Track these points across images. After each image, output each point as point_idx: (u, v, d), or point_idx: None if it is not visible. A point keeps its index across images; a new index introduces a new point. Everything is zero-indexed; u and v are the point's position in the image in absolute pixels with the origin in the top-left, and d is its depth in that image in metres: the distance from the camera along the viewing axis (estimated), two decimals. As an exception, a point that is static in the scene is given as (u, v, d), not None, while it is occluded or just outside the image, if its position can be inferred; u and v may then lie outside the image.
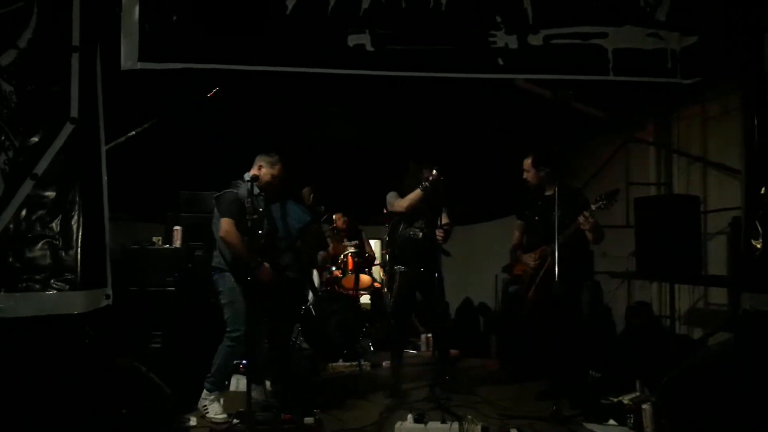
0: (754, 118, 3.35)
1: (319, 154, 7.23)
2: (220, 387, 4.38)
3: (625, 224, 5.90)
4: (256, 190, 4.32)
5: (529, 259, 4.80)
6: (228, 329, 4.33)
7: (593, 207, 4.37)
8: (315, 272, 6.76)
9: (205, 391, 4.31)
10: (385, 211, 6.46)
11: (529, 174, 4.85)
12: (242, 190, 4.28)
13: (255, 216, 4.06)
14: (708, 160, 5.52)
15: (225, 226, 4.18)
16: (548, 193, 4.74)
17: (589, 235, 4.55)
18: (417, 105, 6.15)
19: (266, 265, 4.30)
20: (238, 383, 4.94)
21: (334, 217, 7.27)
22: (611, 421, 4.07)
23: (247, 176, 4.39)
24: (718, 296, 5.42)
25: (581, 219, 4.37)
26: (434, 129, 6.97)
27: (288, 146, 4.95)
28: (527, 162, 4.86)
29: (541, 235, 4.68)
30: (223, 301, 4.36)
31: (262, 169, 4.44)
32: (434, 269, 4.83)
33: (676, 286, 5.57)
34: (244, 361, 4.88)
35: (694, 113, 5.81)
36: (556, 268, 4.18)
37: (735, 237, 4.41)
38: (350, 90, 5.28)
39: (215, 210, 4.39)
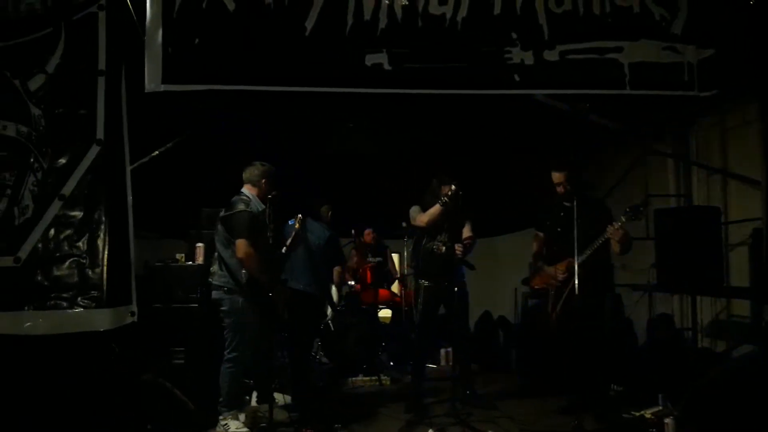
0: (772, 128, 3.35)
1: (339, 168, 7.28)
2: (236, 407, 4.37)
3: (646, 236, 5.87)
4: (262, 206, 4.35)
5: (556, 272, 4.71)
6: (226, 350, 4.30)
7: (623, 218, 4.30)
8: (333, 287, 6.79)
9: (221, 415, 4.28)
10: (404, 224, 6.51)
11: (560, 187, 4.78)
12: (252, 207, 4.31)
13: (270, 234, 4.08)
14: (728, 170, 5.48)
15: (243, 247, 4.13)
16: (568, 203, 4.71)
17: (617, 247, 4.47)
18: (436, 119, 6.18)
19: (282, 286, 4.32)
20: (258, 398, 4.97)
21: (364, 232, 7.31)
22: (634, 436, 4.04)
23: (248, 193, 4.42)
24: (741, 308, 5.35)
25: (610, 229, 4.33)
26: (453, 142, 7.00)
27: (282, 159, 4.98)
28: (560, 176, 4.74)
29: (566, 246, 4.64)
30: (227, 321, 4.32)
31: (264, 183, 4.45)
32: (458, 283, 4.83)
33: (698, 298, 5.52)
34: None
35: (713, 124, 5.78)
36: (576, 280, 4.14)
37: (757, 248, 4.36)
38: (370, 105, 5.33)
39: (220, 229, 4.35)
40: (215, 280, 4.38)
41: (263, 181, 4.47)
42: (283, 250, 4.89)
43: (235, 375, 4.33)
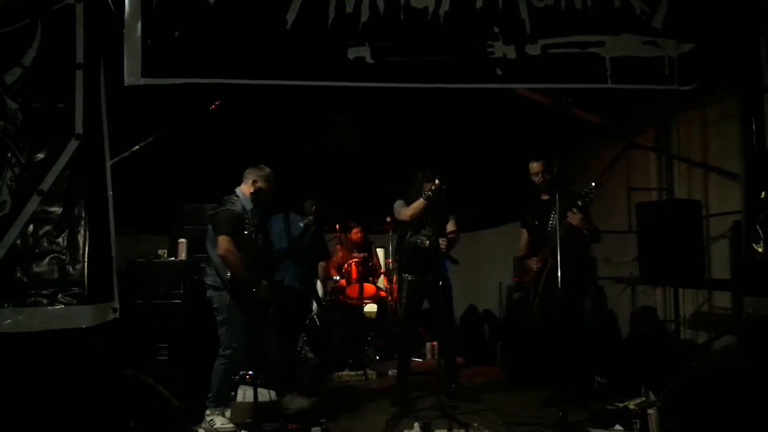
0: (752, 123, 3.38)
1: (323, 163, 7.26)
2: (224, 404, 4.39)
3: (628, 229, 5.92)
4: (251, 205, 4.37)
5: (532, 264, 4.81)
6: (221, 347, 4.33)
7: (579, 202, 4.37)
8: (318, 282, 6.78)
9: (208, 409, 4.30)
10: (388, 219, 6.51)
11: (537, 177, 4.84)
12: (237, 206, 4.31)
13: (254, 231, 4.09)
14: (708, 164, 5.53)
15: (224, 244, 4.16)
16: (546, 196, 4.77)
17: (586, 234, 4.54)
18: (419, 113, 6.18)
19: (265, 283, 4.32)
20: (244, 394, 4.95)
21: (352, 230, 7.29)
22: (617, 427, 4.06)
23: (239, 191, 4.42)
24: (722, 300, 5.42)
25: (569, 215, 4.38)
26: (437, 136, 7.00)
27: (279, 156, 4.96)
28: (538, 165, 4.83)
29: (541, 240, 4.69)
30: (218, 318, 4.35)
31: (257, 183, 4.44)
32: (441, 277, 4.84)
33: (680, 290, 5.58)
34: (250, 372, 4.90)
35: (694, 117, 5.84)
36: (559, 273, 4.18)
37: (737, 241, 4.42)
38: (353, 99, 5.31)
39: (209, 228, 4.38)
40: (207, 279, 4.41)
41: (254, 181, 4.44)
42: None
43: (227, 371, 4.34)
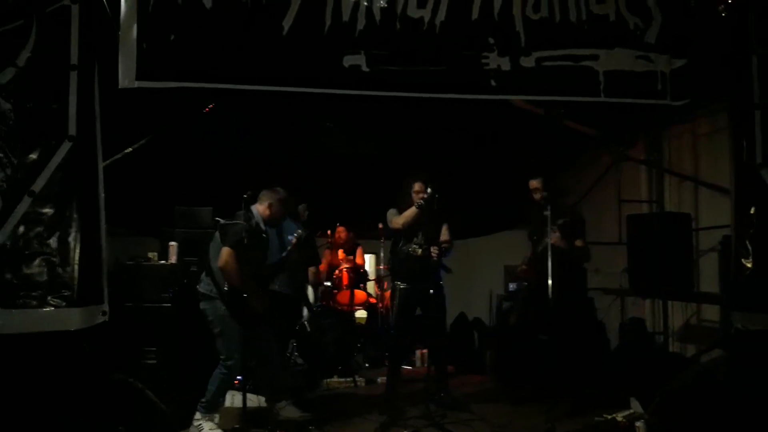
0: (742, 138, 3.41)
1: (316, 168, 7.26)
2: (214, 411, 4.35)
3: (618, 241, 5.96)
4: (264, 226, 4.39)
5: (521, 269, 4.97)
6: (222, 357, 4.29)
7: (559, 222, 4.54)
8: (309, 288, 6.77)
9: (198, 413, 4.28)
10: (380, 226, 6.51)
11: (537, 194, 4.88)
12: (251, 223, 4.31)
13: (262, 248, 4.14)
14: (698, 179, 5.58)
15: (226, 257, 4.13)
16: (544, 212, 4.81)
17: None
18: (413, 120, 6.20)
19: (261, 293, 4.30)
20: (233, 399, 4.92)
21: (337, 229, 7.27)
22: (605, 438, 4.08)
23: (254, 210, 4.42)
24: (711, 313, 5.46)
25: (550, 233, 4.47)
26: (430, 145, 7.02)
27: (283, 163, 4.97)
28: (537, 183, 4.89)
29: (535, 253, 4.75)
30: (214, 330, 4.29)
31: (272, 207, 4.46)
32: (434, 285, 4.85)
33: (669, 302, 5.61)
34: (239, 377, 4.88)
35: (685, 131, 5.89)
36: (549, 284, 4.22)
37: (726, 255, 4.45)
38: (347, 105, 5.33)
39: (216, 236, 4.34)
40: (200, 288, 4.35)
41: (270, 204, 4.47)
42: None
43: (225, 380, 4.32)
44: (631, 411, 4.34)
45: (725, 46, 3.58)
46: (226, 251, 4.14)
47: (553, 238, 4.49)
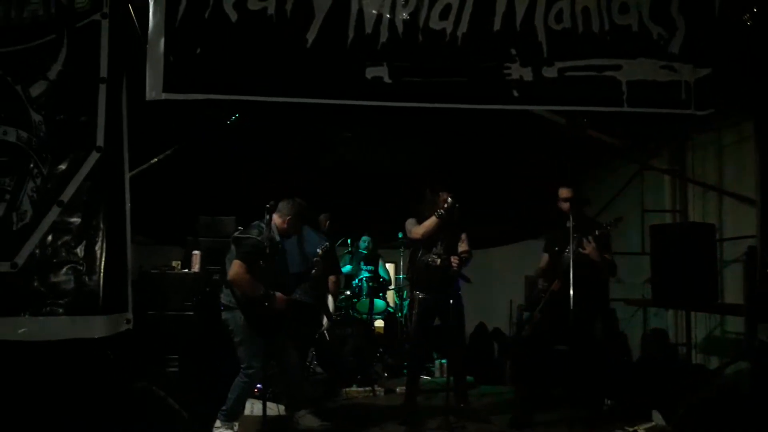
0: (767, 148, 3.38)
1: (337, 177, 7.30)
2: (234, 419, 4.37)
3: (641, 251, 5.90)
4: (278, 238, 4.37)
5: (540, 282, 4.89)
6: (243, 365, 4.30)
7: (597, 232, 4.49)
8: (329, 297, 6.78)
9: (218, 421, 4.30)
10: (400, 235, 6.52)
11: (565, 205, 4.83)
12: (264, 236, 4.22)
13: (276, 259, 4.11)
14: (722, 189, 5.51)
15: (236, 268, 4.13)
16: (567, 224, 4.77)
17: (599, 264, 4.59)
18: (434, 131, 6.22)
19: (279, 294, 4.31)
20: (253, 407, 4.95)
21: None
22: (627, 452, 4.04)
23: (274, 228, 4.36)
24: (735, 324, 5.37)
25: (585, 243, 4.45)
26: (451, 154, 7.03)
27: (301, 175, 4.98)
28: (567, 192, 4.80)
29: (558, 265, 4.71)
30: (235, 340, 4.30)
31: (289, 219, 4.44)
32: (453, 296, 4.84)
33: (693, 313, 5.54)
34: (259, 385, 4.90)
35: (709, 140, 5.83)
36: (571, 294, 4.18)
37: (751, 266, 4.39)
38: (369, 116, 5.36)
39: (232, 248, 4.34)
40: (222, 297, 4.38)
41: (285, 216, 4.44)
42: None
43: (245, 389, 4.33)
44: (653, 423, 4.30)
45: (750, 55, 3.55)
46: (236, 263, 4.15)
47: (589, 248, 4.45)
